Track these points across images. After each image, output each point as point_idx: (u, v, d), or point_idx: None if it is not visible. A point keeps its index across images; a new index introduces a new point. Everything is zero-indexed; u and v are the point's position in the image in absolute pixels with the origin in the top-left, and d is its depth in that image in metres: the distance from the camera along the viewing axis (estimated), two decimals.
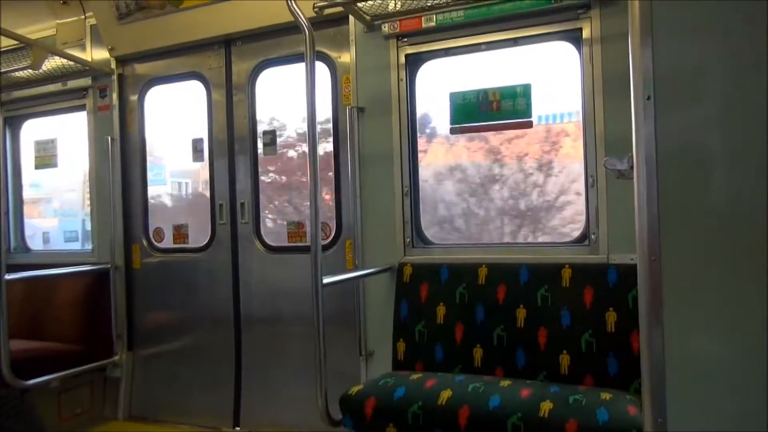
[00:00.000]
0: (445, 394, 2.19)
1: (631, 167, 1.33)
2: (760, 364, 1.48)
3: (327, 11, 2.72)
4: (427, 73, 3.03)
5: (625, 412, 2.00)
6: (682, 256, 1.48)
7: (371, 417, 2.25)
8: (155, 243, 3.79)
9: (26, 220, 4.38)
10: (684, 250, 1.48)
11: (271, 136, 3.47)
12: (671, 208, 1.42)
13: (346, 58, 3.17)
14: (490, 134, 3.03)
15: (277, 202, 3.57)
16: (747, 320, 1.51)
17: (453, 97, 2.91)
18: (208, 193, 3.63)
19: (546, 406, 2.04)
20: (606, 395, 2.15)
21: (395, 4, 2.88)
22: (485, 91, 2.84)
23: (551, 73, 2.82)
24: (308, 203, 2.30)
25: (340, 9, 2.84)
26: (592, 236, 2.63)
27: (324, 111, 3.22)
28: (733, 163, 1.49)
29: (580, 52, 2.67)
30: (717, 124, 1.51)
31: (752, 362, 1.50)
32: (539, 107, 2.80)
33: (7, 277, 3.02)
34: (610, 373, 2.38)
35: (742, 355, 1.52)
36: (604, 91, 2.56)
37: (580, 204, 2.75)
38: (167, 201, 3.98)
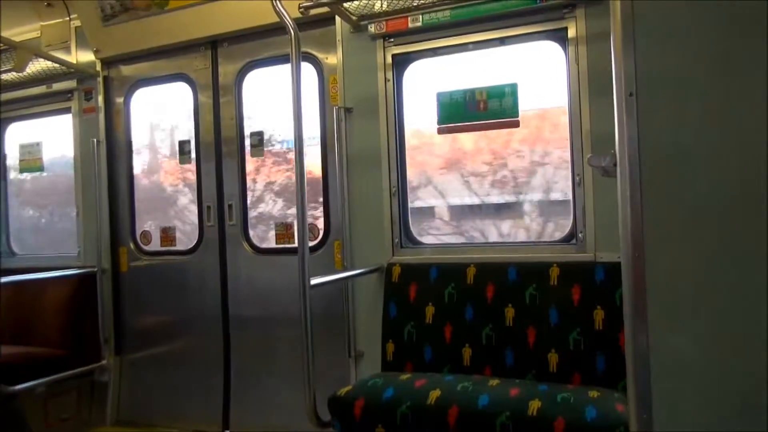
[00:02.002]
0: (434, 394, 2.18)
1: (615, 164, 1.34)
2: (745, 361, 1.49)
3: (313, 12, 2.71)
4: (414, 73, 3.03)
5: (613, 410, 2.00)
6: (667, 253, 1.48)
7: (360, 418, 2.24)
8: (142, 246, 3.76)
9: None
10: (668, 247, 1.49)
11: (258, 137, 3.45)
12: (655, 204, 1.43)
13: (332, 58, 3.16)
14: None
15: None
16: (732, 316, 1.52)
17: (440, 96, 2.91)
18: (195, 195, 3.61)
19: (534, 405, 2.04)
20: (594, 393, 2.16)
21: (381, 4, 2.88)
22: (472, 91, 2.84)
23: (538, 72, 2.83)
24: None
25: (326, 9, 2.84)
26: (580, 235, 2.64)
27: (311, 112, 3.22)
28: (716, 160, 1.50)
29: (565, 52, 2.69)
30: (700, 120, 1.52)
31: (738, 358, 1.51)
32: None
33: None
34: (598, 371, 2.39)
35: (728, 352, 1.53)
36: (590, 90, 2.58)
37: None
38: None
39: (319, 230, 3.23)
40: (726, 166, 1.49)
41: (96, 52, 3.72)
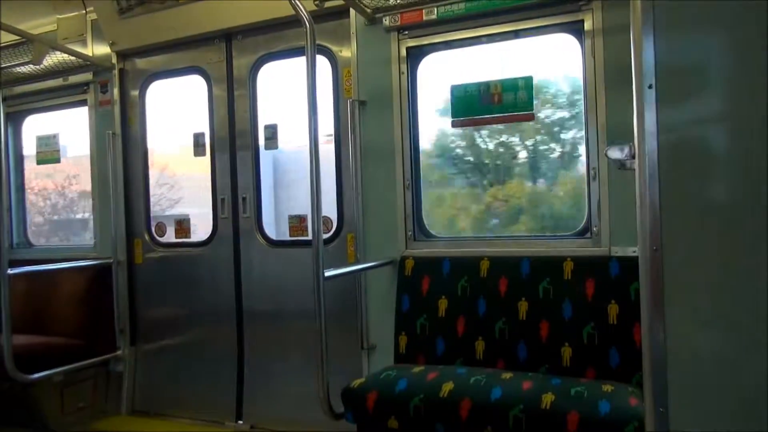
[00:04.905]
0: (447, 387, 2.19)
1: (632, 156, 1.33)
2: (762, 356, 1.48)
3: (328, 4, 2.72)
4: (429, 66, 3.02)
5: (627, 404, 2.00)
6: (684, 247, 1.47)
7: (373, 410, 2.25)
8: (157, 237, 3.79)
9: None
10: (686, 241, 1.48)
11: (272, 130, 3.46)
12: (673, 197, 1.41)
13: (347, 51, 3.15)
14: None
15: None
16: (749, 312, 1.50)
17: (454, 89, 2.90)
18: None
19: (547, 398, 2.04)
20: (608, 387, 2.15)
21: None
22: (487, 84, 2.83)
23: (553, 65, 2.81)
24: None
25: (341, 2, 2.84)
26: (594, 229, 2.62)
27: (325, 104, 3.22)
28: (735, 153, 1.48)
29: (582, 45, 2.66)
30: (719, 114, 1.50)
31: (754, 354, 1.50)
32: None
33: (10, 271, 3.03)
34: (611, 365, 2.38)
35: (745, 347, 1.51)
36: (606, 83, 2.55)
37: None
38: None
39: (332, 223, 3.24)
40: (745, 160, 1.47)
41: (112, 45, 3.76)
